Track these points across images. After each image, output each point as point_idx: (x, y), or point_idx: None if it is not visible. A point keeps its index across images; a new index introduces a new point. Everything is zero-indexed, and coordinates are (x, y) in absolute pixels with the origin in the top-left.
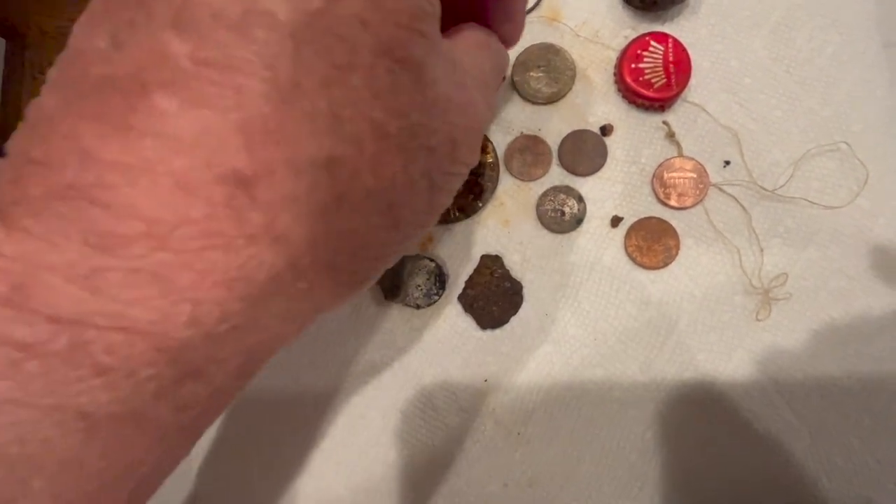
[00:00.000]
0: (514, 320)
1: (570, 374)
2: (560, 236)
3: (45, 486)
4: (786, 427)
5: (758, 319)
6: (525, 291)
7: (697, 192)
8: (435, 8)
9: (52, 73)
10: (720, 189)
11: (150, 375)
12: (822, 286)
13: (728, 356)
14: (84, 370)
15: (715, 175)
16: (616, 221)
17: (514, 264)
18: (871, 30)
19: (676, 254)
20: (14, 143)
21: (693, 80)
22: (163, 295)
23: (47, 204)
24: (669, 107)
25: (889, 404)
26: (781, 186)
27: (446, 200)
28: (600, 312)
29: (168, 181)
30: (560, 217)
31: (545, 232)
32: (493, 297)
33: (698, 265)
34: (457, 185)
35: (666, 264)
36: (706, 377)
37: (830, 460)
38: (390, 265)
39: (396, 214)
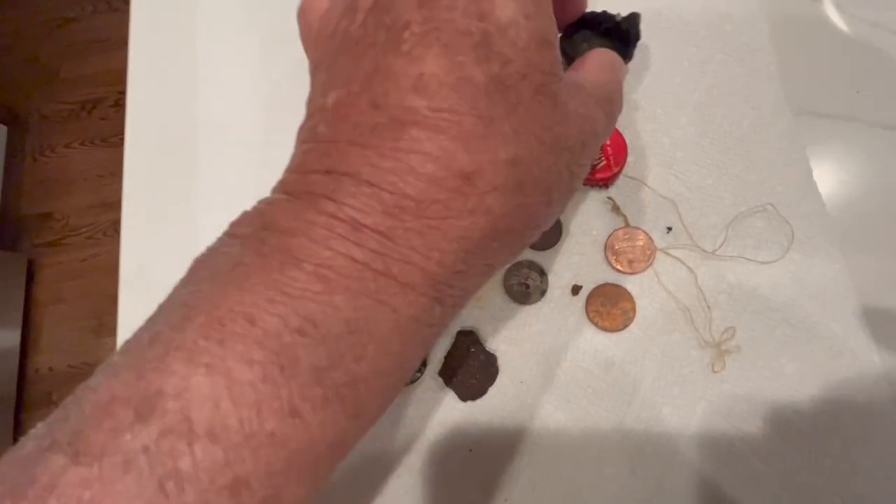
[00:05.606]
0: (491, 390)
1: (549, 437)
2: (528, 308)
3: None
4: (754, 474)
5: (714, 371)
6: (500, 362)
7: (646, 257)
8: (559, 54)
9: (322, 128)
10: (666, 253)
11: (422, 292)
12: (769, 335)
13: (692, 409)
14: (393, 283)
15: (660, 241)
16: (576, 290)
17: (488, 337)
18: (780, 102)
19: (634, 316)
20: (305, 160)
21: (631, 158)
22: (424, 246)
23: (356, 183)
24: (612, 183)
25: (846, 446)
26: (720, 247)
27: (578, 185)
28: (570, 376)
29: (424, 178)
30: (526, 290)
31: (514, 305)
32: (471, 370)
33: (655, 325)
34: (584, 174)
35: (625, 326)
36: (674, 431)
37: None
38: (545, 230)
39: (551, 194)
